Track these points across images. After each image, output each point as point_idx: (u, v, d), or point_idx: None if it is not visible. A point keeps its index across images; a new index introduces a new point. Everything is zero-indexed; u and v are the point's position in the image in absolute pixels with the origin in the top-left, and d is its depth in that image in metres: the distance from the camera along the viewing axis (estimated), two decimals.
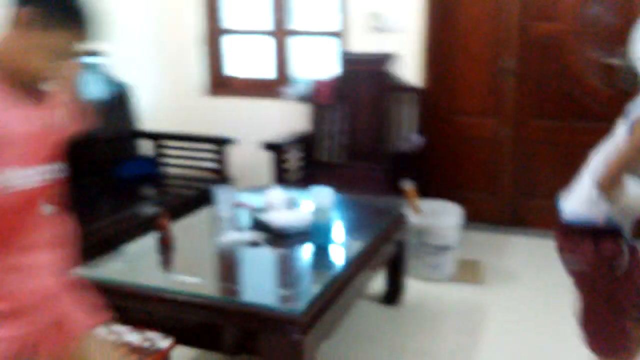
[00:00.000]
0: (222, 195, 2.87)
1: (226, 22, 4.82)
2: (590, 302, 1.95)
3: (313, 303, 2.06)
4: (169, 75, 4.79)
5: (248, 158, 4.35)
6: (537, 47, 4.13)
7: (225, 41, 4.86)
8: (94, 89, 3.38)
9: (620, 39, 3.60)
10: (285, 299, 2.14)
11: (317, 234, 2.53)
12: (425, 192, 3.82)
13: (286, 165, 4.08)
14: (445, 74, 4.31)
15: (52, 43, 1.33)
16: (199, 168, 4.19)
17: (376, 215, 3.03)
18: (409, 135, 4.15)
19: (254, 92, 4.79)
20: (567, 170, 2.37)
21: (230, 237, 2.61)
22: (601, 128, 2.26)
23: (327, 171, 4.08)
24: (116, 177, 3.95)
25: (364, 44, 4.28)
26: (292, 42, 4.67)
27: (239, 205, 2.91)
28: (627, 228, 1.90)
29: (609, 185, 1.75)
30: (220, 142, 4.10)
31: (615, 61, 4.04)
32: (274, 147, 3.94)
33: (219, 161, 4.09)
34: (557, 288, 3.03)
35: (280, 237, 2.63)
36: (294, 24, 4.64)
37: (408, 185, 3.52)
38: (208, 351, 2.45)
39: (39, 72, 1.36)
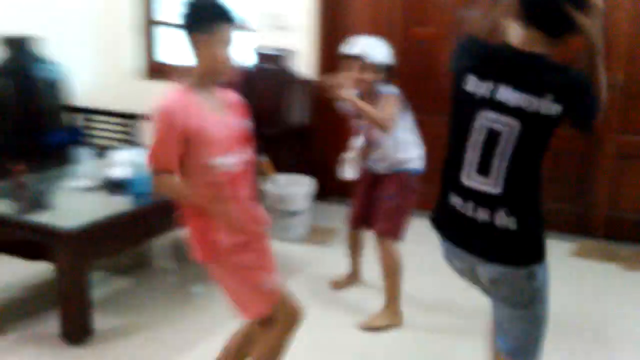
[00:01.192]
0: (82, 152, 3.56)
1: (160, 13, 5.53)
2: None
3: (88, 226, 2.72)
4: (107, 58, 5.52)
5: None
6: (416, 49, 4.68)
7: (159, 31, 5.56)
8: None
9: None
10: (66, 220, 2.79)
11: (132, 184, 3.18)
12: (306, 167, 4.44)
13: None
14: (335, 68, 4.88)
15: (224, 38, 1.97)
16: (115, 139, 4.89)
17: None
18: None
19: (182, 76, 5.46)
20: None
21: (72, 183, 3.29)
22: None
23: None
24: (44, 143, 4.66)
25: (269, 40, 4.89)
26: None
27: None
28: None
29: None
30: (132, 117, 4.80)
31: None
32: None
33: (129, 132, 4.80)
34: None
35: (115, 186, 3.28)
36: None
37: (264, 159, 4.13)
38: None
39: (224, 63, 1.99)
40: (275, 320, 2.13)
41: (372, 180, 3.27)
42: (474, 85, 1.76)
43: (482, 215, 1.79)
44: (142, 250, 3.98)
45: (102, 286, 3.44)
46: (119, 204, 3.09)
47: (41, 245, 2.73)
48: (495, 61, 1.76)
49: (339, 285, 3.57)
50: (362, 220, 3.35)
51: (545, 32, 1.70)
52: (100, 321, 2.91)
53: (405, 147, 3.16)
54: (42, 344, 2.75)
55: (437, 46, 4.62)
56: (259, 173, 3.64)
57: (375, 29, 4.58)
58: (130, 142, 4.79)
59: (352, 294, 3.51)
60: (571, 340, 3.06)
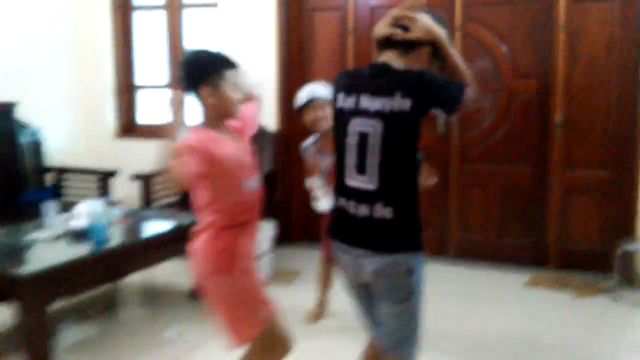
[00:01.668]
0: (48, 205, 3.76)
1: (135, 77, 5.84)
2: None
3: (45, 270, 2.91)
4: (84, 120, 5.80)
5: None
6: None
7: (135, 93, 5.86)
8: None
9: None
10: (26, 266, 2.99)
11: (90, 232, 3.39)
12: (269, 211, 4.63)
13: (157, 192, 4.97)
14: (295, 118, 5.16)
15: (230, 83, 2.23)
16: (89, 195, 5.09)
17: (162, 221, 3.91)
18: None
19: (155, 134, 5.72)
20: None
21: (37, 234, 3.49)
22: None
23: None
24: (18, 202, 4.88)
25: None
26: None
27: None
28: None
29: None
30: (105, 174, 5.03)
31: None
32: (142, 178, 4.84)
33: (104, 189, 5.01)
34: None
35: (76, 235, 3.48)
36: None
37: None
38: None
39: (233, 105, 2.26)
40: (260, 347, 2.32)
41: None
42: (342, 101, 2.07)
43: (363, 210, 2.00)
44: (110, 296, 4.16)
45: (70, 333, 3.63)
46: (76, 250, 3.28)
47: (6, 290, 2.91)
48: (356, 79, 2.07)
49: (313, 318, 3.73)
50: None
51: (398, 51, 2.03)
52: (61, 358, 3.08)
53: None
54: None
55: None
56: None
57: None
58: (103, 197, 5.00)
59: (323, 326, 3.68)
60: None
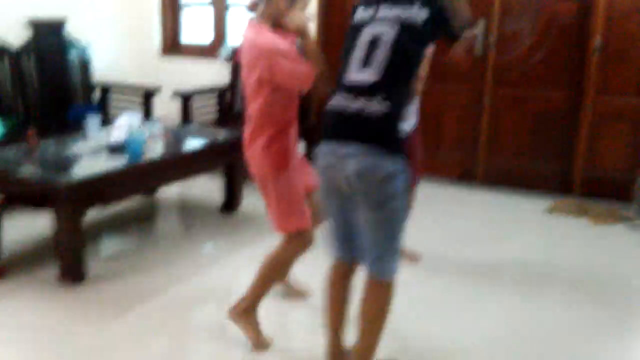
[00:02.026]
0: (91, 119, 4.01)
1: None
2: None
3: (81, 180, 3.17)
4: (130, 37, 5.99)
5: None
6: None
7: (180, 11, 5.99)
8: None
9: (478, 9, 4.47)
10: (64, 176, 3.26)
11: (128, 146, 3.62)
12: None
13: (196, 110, 5.18)
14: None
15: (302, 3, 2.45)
16: (133, 111, 5.34)
17: (199, 137, 4.12)
18: None
19: (198, 54, 5.89)
20: None
21: (79, 146, 3.76)
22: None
23: (234, 117, 5.13)
24: (66, 118, 5.16)
25: None
26: (228, 13, 5.74)
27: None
28: None
29: None
30: (149, 92, 5.24)
31: (475, 31, 4.77)
32: (182, 96, 5.04)
33: (146, 105, 5.25)
34: None
35: (114, 148, 3.73)
36: None
37: None
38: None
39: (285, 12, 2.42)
40: (299, 239, 2.58)
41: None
42: (360, 13, 2.18)
43: (358, 103, 2.06)
44: (147, 208, 4.46)
45: (109, 244, 3.96)
46: (113, 162, 3.53)
47: (44, 196, 3.18)
48: None
49: None
50: None
51: None
52: (94, 266, 3.38)
53: None
54: (41, 286, 3.18)
55: None
56: None
57: None
58: (146, 112, 5.24)
59: None
60: (538, 285, 3.33)
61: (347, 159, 2.06)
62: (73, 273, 3.19)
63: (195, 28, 6.05)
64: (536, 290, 3.24)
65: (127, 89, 5.41)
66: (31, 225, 3.91)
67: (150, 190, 4.53)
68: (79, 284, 3.18)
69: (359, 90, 2.07)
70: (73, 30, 5.30)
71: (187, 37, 6.09)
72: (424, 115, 4.96)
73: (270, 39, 2.40)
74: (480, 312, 3.00)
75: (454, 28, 2.12)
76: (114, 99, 5.48)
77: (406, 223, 2.25)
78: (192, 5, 6.00)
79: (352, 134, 2.06)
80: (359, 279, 2.28)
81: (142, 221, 4.29)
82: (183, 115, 5.08)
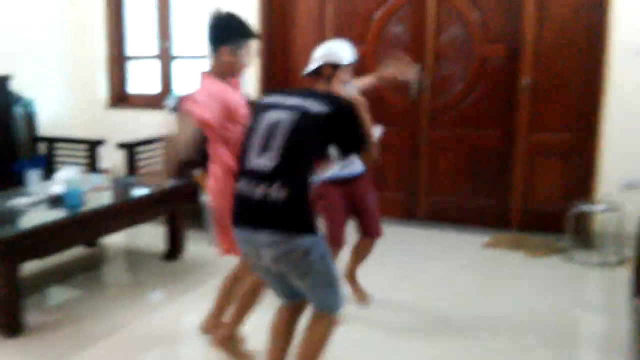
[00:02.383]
0: (30, 174, 4.03)
1: (126, 48, 6.06)
2: None
3: (17, 233, 3.18)
4: (77, 90, 6.05)
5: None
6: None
7: (125, 64, 6.09)
8: None
9: (412, 55, 4.66)
10: (4, 230, 3.26)
11: (65, 198, 3.65)
12: None
13: (143, 160, 5.22)
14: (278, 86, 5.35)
15: (247, 51, 2.65)
16: (78, 164, 5.36)
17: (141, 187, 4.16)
18: None
19: (145, 104, 5.97)
20: None
21: (18, 200, 3.76)
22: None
23: (180, 165, 5.16)
24: (12, 171, 5.16)
25: None
26: (174, 64, 5.86)
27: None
28: None
29: None
30: (93, 144, 5.28)
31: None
32: (127, 146, 5.10)
33: (91, 157, 5.28)
34: None
35: (54, 200, 3.74)
36: (175, 49, 5.83)
37: (198, 172, 4.55)
38: None
39: (242, 69, 2.69)
40: None
41: (347, 189, 3.32)
42: (263, 101, 2.39)
43: (262, 189, 2.14)
44: (89, 258, 4.45)
45: (52, 295, 3.92)
46: (51, 214, 3.55)
47: None
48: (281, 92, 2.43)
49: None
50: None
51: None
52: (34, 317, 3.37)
53: None
54: None
55: (369, 60, 5.05)
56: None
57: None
58: (91, 165, 5.26)
59: None
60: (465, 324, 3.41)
61: (261, 249, 2.17)
62: (11, 325, 3.17)
63: (142, 79, 6.15)
64: (474, 333, 3.27)
65: (73, 142, 5.44)
66: None
67: (93, 240, 4.53)
68: (18, 336, 3.17)
69: (259, 177, 2.16)
70: (18, 85, 5.35)
71: (134, 88, 6.18)
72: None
73: (221, 88, 2.64)
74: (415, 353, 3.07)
75: (356, 133, 2.38)
76: (60, 152, 5.50)
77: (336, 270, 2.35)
78: (138, 58, 6.11)
79: (261, 221, 2.15)
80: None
81: (85, 270, 4.27)
82: (129, 165, 5.12)
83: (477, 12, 4.75)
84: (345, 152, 2.34)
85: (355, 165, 3.34)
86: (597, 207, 4.31)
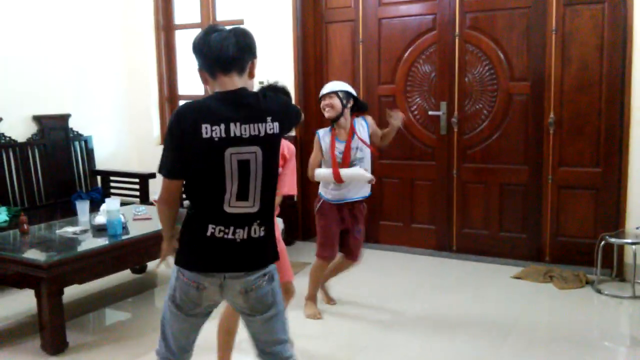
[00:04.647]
0: (80, 205, 4.39)
1: (177, 88, 6.49)
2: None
3: (59, 260, 3.50)
4: (131, 128, 6.49)
5: None
6: (380, 104, 5.35)
7: (177, 103, 6.50)
8: None
9: (441, 93, 4.95)
10: (49, 256, 3.59)
11: (108, 227, 3.97)
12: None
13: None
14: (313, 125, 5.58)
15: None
16: (131, 195, 5.74)
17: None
18: None
19: None
20: None
21: (66, 229, 4.11)
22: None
23: None
24: (70, 202, 5.57)
25: None
26: None
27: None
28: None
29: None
30: (144, 177, 5.66)
31: (439, 112, 5.13)
32: None
33: (143, 190, 5.64)
34: None
35: (98, 230, 4.08)
36: None
37: None
38: None
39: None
40: None
41: (344, 212, 3.80)
42: (208, 131, 1.96)
43: (241, 234, 2.06)
44: (135, 284, 4.76)
45: (98, 318, 4.22)
46: (93, 242, 3.88)
47: (26, 275, 3.52)
48: (211, 109, 2.00)
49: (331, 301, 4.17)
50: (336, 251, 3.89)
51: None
52: (79, 337, 3.68)
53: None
54: (25, 355, 3.47)
55: (399, 99, 5.28)
56: None
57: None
58: (143, 196, 5.63)
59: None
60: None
61: (229, 281, 2.11)
62: (54, 344, 3.48)
63: None
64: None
65: (126, 175, 5.83)
66: (19, 300, 4.24)
67: (135, 266, 4.83)
68: (60, 354, 3.47)
69: (238, 222, 2.06)
70: (77, 123, 5.81)
71: None
72: (398, 191, 5.31)
73: None
74: None
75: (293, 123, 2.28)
76: (115, 185, 5.90)
77: None
78: (188, 98, 6.50)
79: (240, 264, 2.10)
80: None
81: (133, 295, 4.56)
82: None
83: (501, 51, 4.88)
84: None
85: (362, 190, 3.78)
86: (627, 240, 4.31)
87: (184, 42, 6.45)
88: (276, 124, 2.07)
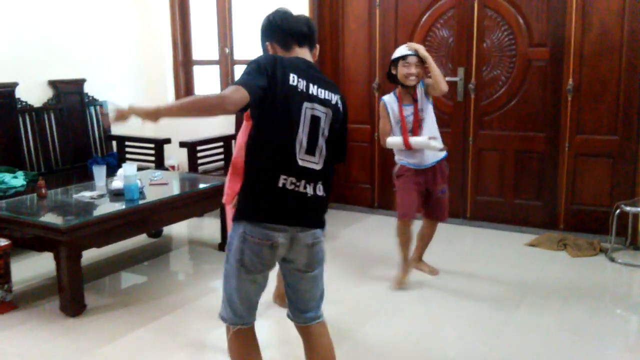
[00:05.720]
0: (97, 170, 4.42)
1: (192, 53, 6.46)
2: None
3: (77, 224, 3.54)
4: (146, 94, 6.49)
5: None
6: None
7: (191, 68, 6.49)
8: None
9: (459, 58, 4.87)
10: (67, 220, 3.64)
11: (125, 192, 4.00)
12: None
13: (204, 158, 5.58)
14: None
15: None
16: (146, 160, 5.78)
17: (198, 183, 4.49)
18: None
19: None
20: None
21: (84, 194, 4.15)
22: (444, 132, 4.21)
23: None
24: (87, 167, 5.62)
25: None
26: (236, 69, 6.19)
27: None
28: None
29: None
30: (159, 142, 5.68)
31: (456, 79, 5.08)
32: (186, 145, 5.46)
33: (158, 155, 5.67)
34: None
35: (115, 194, 4.12)
36: (235, 54, 6.16)
37: None
38: None
39: None
40: None
41: (423, 176, 3.83)
42: (294, 79, 2.10)
43: (311, 189, 2.13)
44: (149, 248, 4.82)
45: (113, 281, 4.29)
46: (110, 207, 3.92)
47: (45, 239, 3.57)
48: (296, 66, 2.16)
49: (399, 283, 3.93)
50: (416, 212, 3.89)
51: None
52: (96, 300, 3.75)
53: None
54: (45, 316, 3.55)
55: None
56: None
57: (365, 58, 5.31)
58: (158, 162, 5.66)
59: None
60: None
61: (299, 234, 2.14)
62: (73, 306, 3.54)
63: (207, 83, 6.52)
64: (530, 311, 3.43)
65: (141, 141, 5.86)
66: (39, 263, 4.33)
67: (151, 230, 4.89)
68: (78, 315, 3.54)
69: (309, 177, 2.12)
70: (92, 88, 5.83)
71: (199, 91, 6.56)
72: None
73: None
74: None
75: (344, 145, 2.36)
76: (130, 150, 5.93)
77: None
78: (203, 63, 6.48)
79: (309, 219, 2.16)
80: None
81: (149, 259, 4.63)
82: (190, 163, 5.48)
83: (520, 16, 4.80)
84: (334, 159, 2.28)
85: (437, 154, 3.80)
86: None
87: (198, 6, 6.40)
88: (342, 105, 2.26)
